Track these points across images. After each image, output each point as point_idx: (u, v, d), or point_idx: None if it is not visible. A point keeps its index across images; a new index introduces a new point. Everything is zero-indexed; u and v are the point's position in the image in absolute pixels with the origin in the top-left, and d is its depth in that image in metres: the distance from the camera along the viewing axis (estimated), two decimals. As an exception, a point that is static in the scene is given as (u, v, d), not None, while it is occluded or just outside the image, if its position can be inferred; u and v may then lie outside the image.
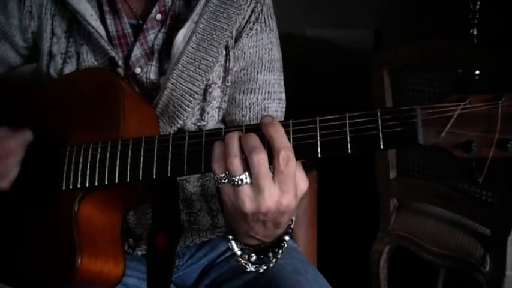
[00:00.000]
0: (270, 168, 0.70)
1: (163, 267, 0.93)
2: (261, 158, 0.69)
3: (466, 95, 0.68)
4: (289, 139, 0.71)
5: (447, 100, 0.69)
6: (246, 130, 0.74)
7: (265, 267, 0.80)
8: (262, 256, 0.79)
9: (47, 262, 0.85)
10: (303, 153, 0.71)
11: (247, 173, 0.70)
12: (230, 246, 0.79)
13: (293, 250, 1.08)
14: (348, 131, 0.70)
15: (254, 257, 0.79)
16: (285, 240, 0.78)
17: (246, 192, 0.70)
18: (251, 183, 0.70)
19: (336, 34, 2.94)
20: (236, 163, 0.70)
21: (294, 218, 0.81)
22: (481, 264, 1.52)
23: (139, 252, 1.06)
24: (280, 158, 0.68)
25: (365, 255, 1.81)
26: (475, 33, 2.00)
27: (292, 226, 0.80)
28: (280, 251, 0.78)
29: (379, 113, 0.69)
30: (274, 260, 0.79)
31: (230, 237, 0.79)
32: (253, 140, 0.70)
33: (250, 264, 0.79)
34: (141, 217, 1.03)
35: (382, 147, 0.69)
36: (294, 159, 0.69)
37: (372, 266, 1.79)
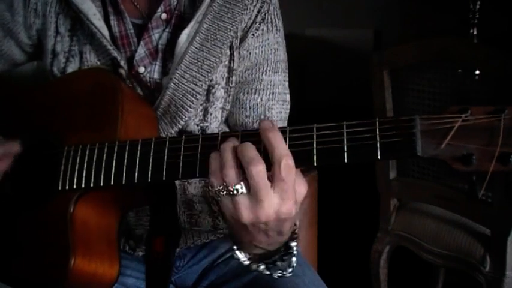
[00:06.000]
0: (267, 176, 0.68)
1: (161, 271, 0.93)
2: (260, 171, 0.67)
3: (467, 106, 0.66)
4: None
5: (448, 111, 0.66)
6: (243, 136, 0.72)
7: (280, 275, 0.78)
8: (270, 266, 0.78)
9: (42, 261, 0.85)
10: (298, 160, 0.69)
11: (242, 183, 0.68)
12: (236, 257, 0.78)
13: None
14: (345, 139, 0.68)
15: (262, 267, 0.78)
16: (291, 246, 0.77)
17: (242, 202, 0.69)
18: (248, 193, 0.68)
19: (336, 34, 2.94)
20: (231, 174, 0.68)
21: (298, 223, 0.78)
22: (481, 264, 1.51)
23: (140, 253, 1.06)
24: (282, 166, 0.67)
25: (365, 255, 1.81)
26: (475, 33, 2.01)
27: (297, 231, 0.78)
28: (293, 258, 0.77)
29: (377, 123, 0.68)
30: (290, 269, 0.78)
31: (235, 247, 0.77)
32: (250, 150, 0.68)
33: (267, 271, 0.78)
34: (142, 218, 1.03)
35: (379, 157, 0.67)
36: (294, 166, 0.68)
37: (372, 266, 1.79)
